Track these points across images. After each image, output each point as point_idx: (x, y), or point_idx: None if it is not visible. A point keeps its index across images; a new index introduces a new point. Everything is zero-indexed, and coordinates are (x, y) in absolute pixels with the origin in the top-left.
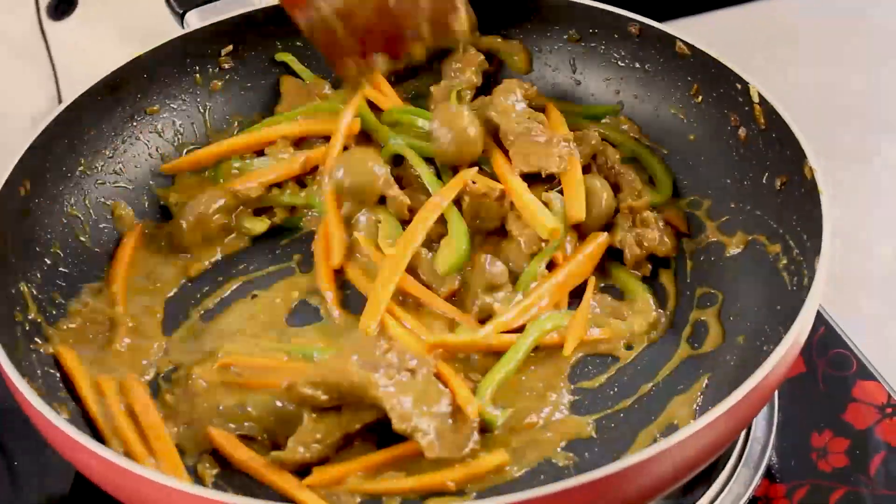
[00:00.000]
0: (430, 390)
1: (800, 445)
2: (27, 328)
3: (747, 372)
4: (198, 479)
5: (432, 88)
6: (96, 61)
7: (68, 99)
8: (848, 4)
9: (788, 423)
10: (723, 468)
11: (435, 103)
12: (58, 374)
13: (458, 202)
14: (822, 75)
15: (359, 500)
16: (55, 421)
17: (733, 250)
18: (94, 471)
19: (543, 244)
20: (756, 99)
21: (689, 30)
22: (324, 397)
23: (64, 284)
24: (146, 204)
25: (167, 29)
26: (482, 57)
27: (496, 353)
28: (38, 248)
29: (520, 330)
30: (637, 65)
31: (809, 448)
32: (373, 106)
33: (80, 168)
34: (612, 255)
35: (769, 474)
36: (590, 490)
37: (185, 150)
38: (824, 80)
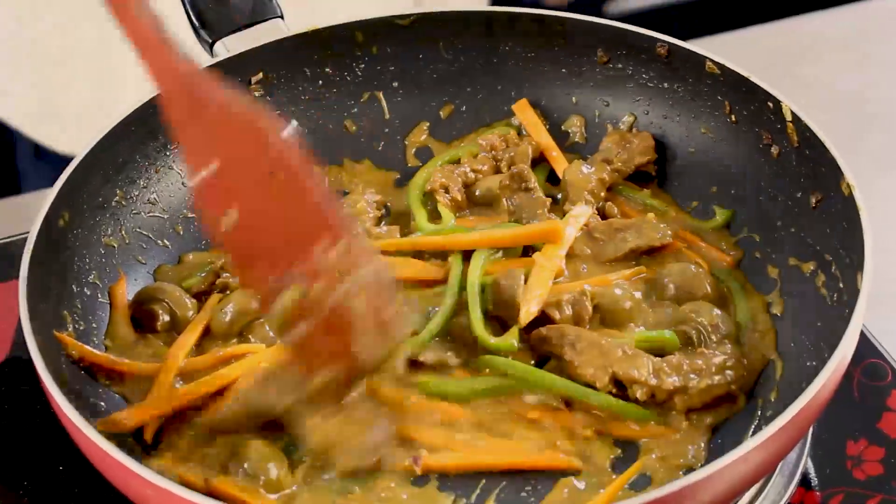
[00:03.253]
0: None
1: (835, 454)
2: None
3: (792, 389)
4: None
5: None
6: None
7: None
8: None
9: (823, 432)
10: None
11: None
12: (103, 405)
13: None
14: (851, 84)
15: None
16: (113, 452)
17: (771, 269)
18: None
19: None
20: (788, 117)
21: (713, 49)
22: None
23: (102, 314)
24: (181, 231)
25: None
26: None
27: None
28: (77, 278)
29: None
30: (666, 85)
31: (844, 456)
32: None
33: (116, 199)
34: None
35: (804, 482)
36: None
37: None
38: (853, 89)
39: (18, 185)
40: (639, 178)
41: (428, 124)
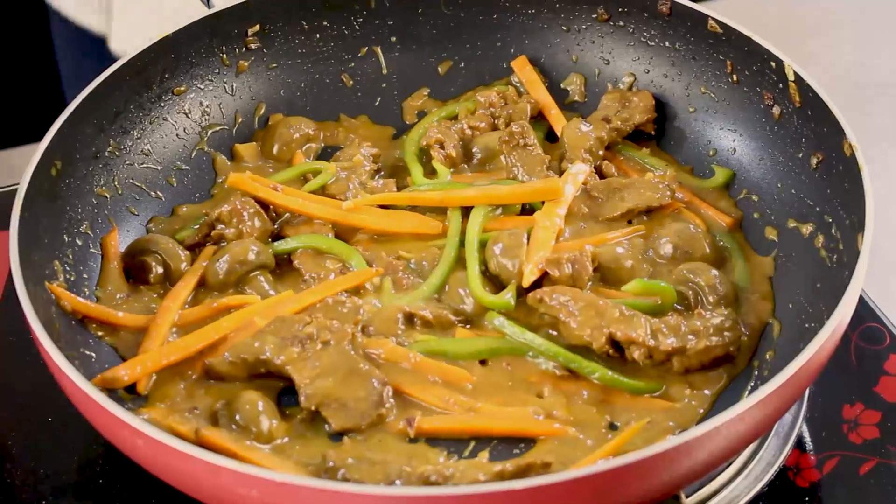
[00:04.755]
0: (340, 361)
1: (831, 417)
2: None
3: (790, 351)
4: None
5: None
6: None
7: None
8: None
9: (819, 395)
10: None
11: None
12: (94, 356)
13: None
14: (852, 55)
15: None
16: (105, 403)
17: (770, 230)
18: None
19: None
20: (791, 77)
21: (716, 10)
22: (239, 372)
23: (93, 265)
24: (175, 184)
25: (193, 11)
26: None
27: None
28: (68, 228)
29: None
30: (667, 44)
31: (840, 420)
32: None
33: (109, 149)
34: None
35: (799, 445)
36: (642, 467)
37: (209, 132)
38: (855, 60)
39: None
40: (638, 136)
41: (428, 90)
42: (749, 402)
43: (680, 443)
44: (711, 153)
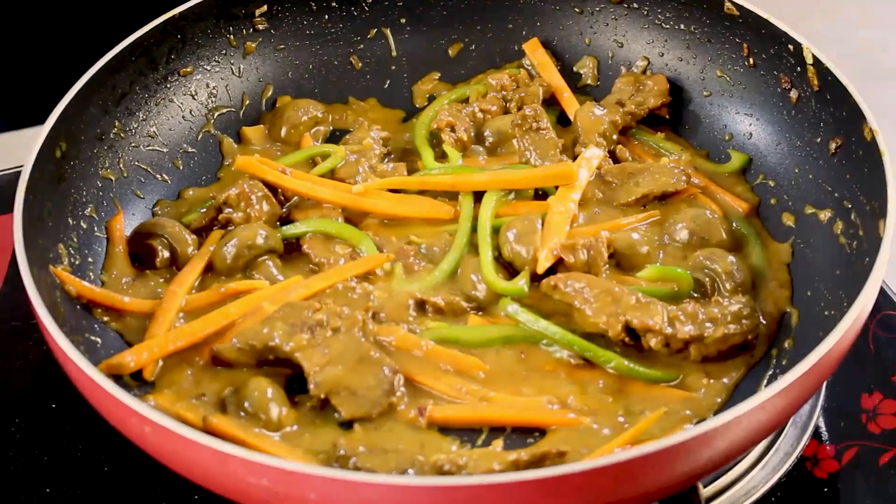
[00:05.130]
0: (350, 348)
1: (849, 407)
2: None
3: (809, 338)
4: None
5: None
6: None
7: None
8: None
9: (837, 385)
10: None
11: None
12: (99, 341)
13: None
14: (864, 39)
15: None
16: (112, 390)
17: (787, 216)
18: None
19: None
20: (810, 60)
21: None
22: (247, 359)
23: (98, 249)
24: (181, 167)
25: None
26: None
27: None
28: (73, 211)
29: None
30: (682, 26)
31: (859, 410)
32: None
33: (114, 131)
34: None
35: (817, 435)
36: (663, 457)
37: (216, 114)
38: (866, 44)
39: None
40: (652, 121)
41: (438, 74)
42: (772, 391)
43: (702, 432)
44: (727, 138)
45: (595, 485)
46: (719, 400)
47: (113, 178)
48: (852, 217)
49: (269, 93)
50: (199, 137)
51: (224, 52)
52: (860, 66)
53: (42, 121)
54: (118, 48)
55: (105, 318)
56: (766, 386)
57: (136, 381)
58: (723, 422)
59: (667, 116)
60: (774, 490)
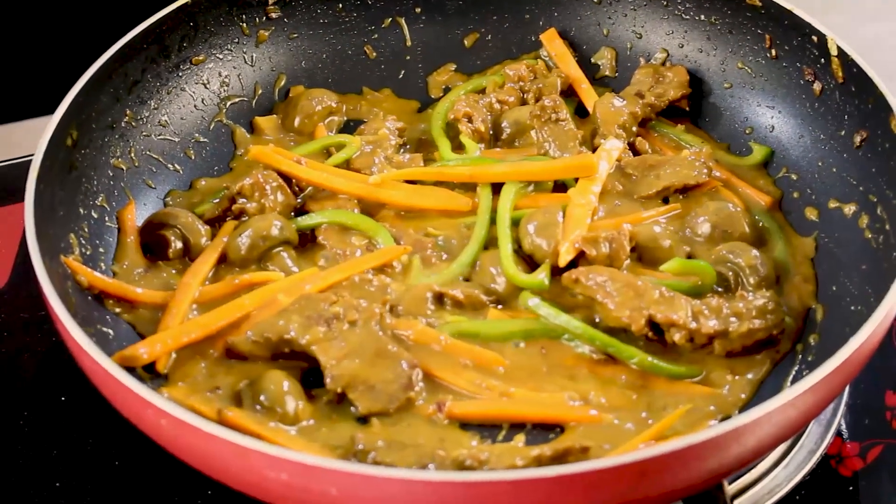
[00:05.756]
0: (368, 341)
1: (873, 405)
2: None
3: (835, 334)
4: None
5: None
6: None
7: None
8: None
9: (861, 381)
10: None
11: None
12: (111, 333)
13: None
14: (875, 32)
15: None
16: (127, 382)
17: (810, 210)
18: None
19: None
20: (834, 51)
21: None
22: (261, 352)
23: (110, 240)
24: (193, 156)
25: None
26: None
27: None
28: (84, 201)
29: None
30: (703, 17)
31: (884, 407)
32: None
33: (126, 119)
34: None
35: (841, 433)
36: (691, 453)
37: (228, 104)
38: (877, 37)
39: None
40: (672, 113)
41: (454, 66)
42: (803, 387)
43: (732, 428)
44: (748, 130)
45: (622, 482)
46: (744, 396)
47: (124, 168)
48: (878, 211)
49: (282, 82)
50: (212, 127)
51: (237, 40)
52: (884, 58)
53: (52, 110)
54: (130, 35)
55: (117, 310)
56: (791, 382)
57: (149, 374)
58: (754, 418)
59: (686, 108)
60: (798, 488)
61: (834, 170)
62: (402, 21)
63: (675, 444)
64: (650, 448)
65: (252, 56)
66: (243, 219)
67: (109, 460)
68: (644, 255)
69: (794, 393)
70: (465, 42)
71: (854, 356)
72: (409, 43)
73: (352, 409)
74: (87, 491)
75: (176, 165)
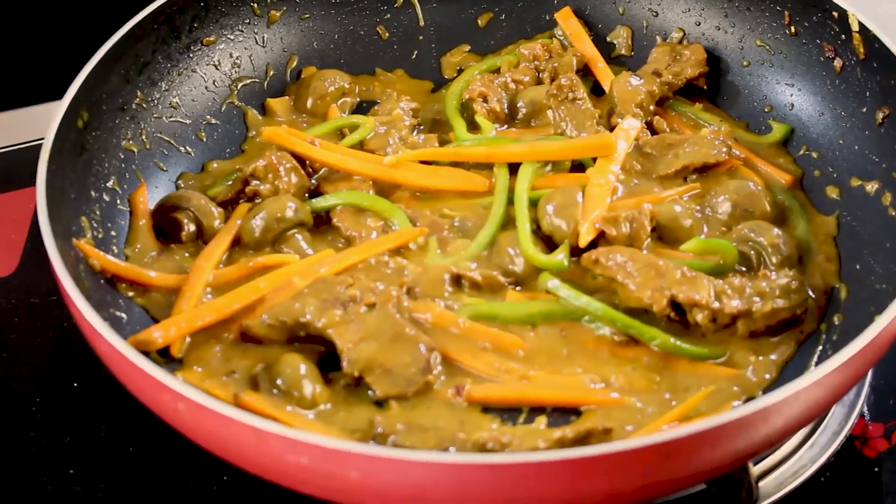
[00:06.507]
0: (385, 324)
1: None
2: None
3: (860, 313)
4: None
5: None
6: None
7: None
8: None
9: (884, 362)
10: None
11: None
12: (124, 317)
13: None
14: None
15: None
16: (144, 365)
17: (831, 189)
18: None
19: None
20: (855, 27)
21: None
22: (277, 335)
23: (122, 223)
24: (205, 139)
25: None
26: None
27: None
28: (95, 183)
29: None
30: None
31: None
32: None
33: (136, 101)
34: None
35: (865, 414)
36: (718, 434)
37: (240, 85)
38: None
39: None
40: (689, 92)
41: (468, 47)
42: (830, 366)
43: (758, 408)
44: (767, 109)
45: (647, 463)
46: (768, 377)
47: (135, 150)
48: None
49: (294, 63)
50: (223, 109)
51: (248, 20)
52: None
53: (60, 96)
54: (140, 17)
55: (130, 294)
56: (816, 363)
57: (164, 358)
58: (781, 397)
59: (704, 87)
60: (823, 470)
61: (856, 147)
62: (415, 1)
63: (702, 424)
64: (676, 429)
65: (263, 37)
66: (257, 201)
67: (123, 446)
68: (664, 235)
69: (822, 372)
70: (479, 22)
71: (883, 334)
72: (421, 23)
73: (369, 392)
74: (102, 478)
75: (188, 148)
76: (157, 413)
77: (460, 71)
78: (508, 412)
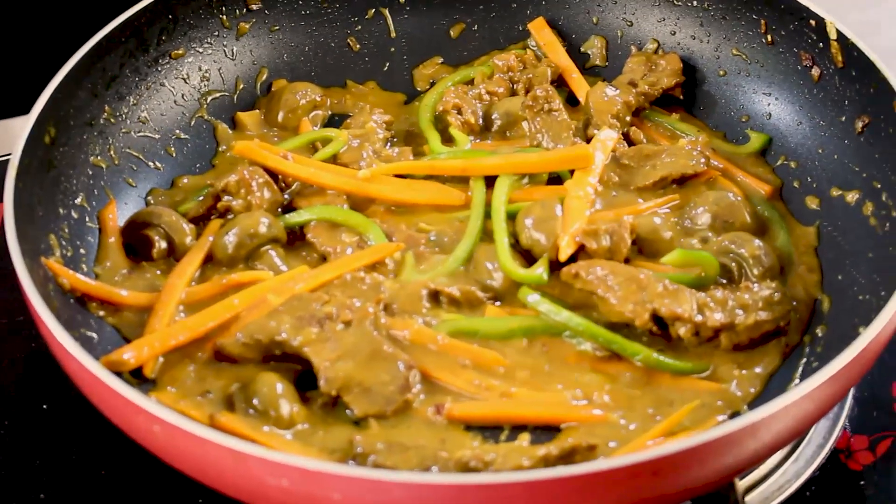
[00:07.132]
0: (362, 342)
1: (881, 397)
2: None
3: (843, 324)
4: None
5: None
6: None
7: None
8: None
9: (868, 374)
10: None
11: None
12: (95, 337)
13: None
14: (861, 20)
15: None
16: (117, 387)
17: (811, 199)
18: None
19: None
20: (833, 35)
21: None
22: (252, 354)
23: (91, 240)
24: (174, 154)
25: None
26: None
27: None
28: (63, 200)
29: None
30: (695, 3)
31: (891, 399)
32: None
33: (104, 116)
34: None
35: (849, 426)
36: (706, 450)
37: (209, 99)
38: (864, 24)
39: None
40: (666, 102)
41: (441, 59)
42: (819, 379)
43: (747, 423)
44: (744, 118)
45: (637, 480)
46: (753, 391)
47: (104, 166)
48: (883, 198)
49: (264, 76)
50: (193, 123)
51: (217, 33)
52: (881, 44)
53: (28, 110)
54: (107, 29)
55: (101, 313)
56: (801, 375)
57: (137, 379)
58: (770, 412)
59: (681, 97)
60: (809, 484)
61: (835, 156)
62: (386, 12)
63: (691, 440)
64: (664, 445)
65: (233, 49)
66: (229, 217)
67: (95, 469)
68: (644, 248)
69: (810, 386)
70: (451, 33)
71: (871, 345)
72: (393, 34)
73: (347, 412)
74: (73, 502)
75: (157, 163)
76: (131, 435)
77: (433, 83)
78: (490, 429)
